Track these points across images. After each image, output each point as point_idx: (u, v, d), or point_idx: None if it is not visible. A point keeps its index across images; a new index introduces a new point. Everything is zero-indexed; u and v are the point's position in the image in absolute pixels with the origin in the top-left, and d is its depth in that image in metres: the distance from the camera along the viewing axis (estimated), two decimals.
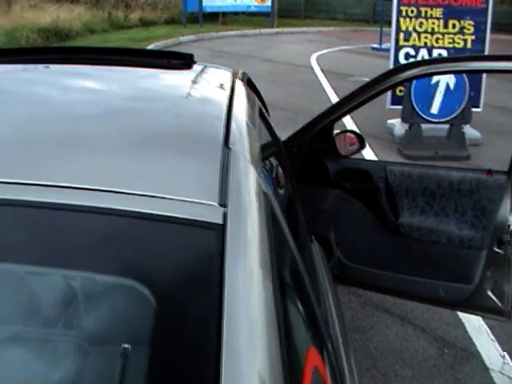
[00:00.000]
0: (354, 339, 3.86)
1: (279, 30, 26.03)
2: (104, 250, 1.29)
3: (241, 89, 2.37)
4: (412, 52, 8.75)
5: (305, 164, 3.70)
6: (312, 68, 15.93)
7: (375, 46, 19.74)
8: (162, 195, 1.34)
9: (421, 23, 8.63)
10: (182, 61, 2.54)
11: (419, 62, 4.13)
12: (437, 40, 8.65)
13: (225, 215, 1.32)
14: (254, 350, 1.10)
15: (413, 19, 8.64)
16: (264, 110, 2.69)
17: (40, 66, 2.44)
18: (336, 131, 3.89)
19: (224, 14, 26.85)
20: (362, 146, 3.93)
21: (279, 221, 1.67)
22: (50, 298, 1.34)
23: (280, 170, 2.23)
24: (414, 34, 8.69)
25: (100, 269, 1.27)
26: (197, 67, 2.56)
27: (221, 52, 18.16)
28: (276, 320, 1.17)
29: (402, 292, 3.59)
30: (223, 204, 1.35)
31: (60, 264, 1.30)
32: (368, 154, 7.63)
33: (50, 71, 2.41)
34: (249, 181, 1.53)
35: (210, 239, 1.27)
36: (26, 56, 2.64)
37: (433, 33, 8.64)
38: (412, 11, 8.62)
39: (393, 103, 8.69)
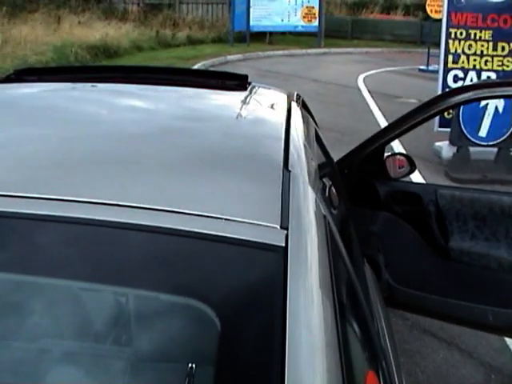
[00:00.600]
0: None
1: (326, 50, 25.98)
2: (169, 270, 1.31)
3: (297, 111, 2.38)
4: (461, 74, 8.68)
5: (355, 186, 3.70)
6: (359, 89, 15.88)
7: (422, 67, 19.60)
8: (225, 217, 1.35)
9: (470, 45, 8.57)
10: (237, 81, 2.56)
11: (471, 85, 4.10)
12: (486, 62, 8.58)
13: (286, 237, 1.33)
14: (316, 371, 1.11)
15: (462, 41, 8.59)
16: (319, 132, 2.71)
17: (96, 85, 2.47)
18: (386, 154, 3.88)
19: (271, 33, 26.94)
20: (412, 169, 3.91)
21: (337, 242, 1.68)
22: (118, 316, 1.37)
23: (334, 191, 2.24)
24: (463, 57, 8.63)
25: (165, 289, 1.29)
26: (251, 88, 2.57)
27: (268, 71, 18.19)
28: (336, 342, 1.18)
29: (450, 316, 3.56)
30: (285, 226, 1.36)
31: (127, 283, 1.32)
32: (415, 176, 7.55)
33: (106, 90, 2.44)
34: (308, 203, 1.54)
35: (273, 261, 1.29)
36: (82, 74, 2.68)
37: (482, 55, 8.57)
38: (461, 33, 8.57)
39: (441, 126, 8.60)
